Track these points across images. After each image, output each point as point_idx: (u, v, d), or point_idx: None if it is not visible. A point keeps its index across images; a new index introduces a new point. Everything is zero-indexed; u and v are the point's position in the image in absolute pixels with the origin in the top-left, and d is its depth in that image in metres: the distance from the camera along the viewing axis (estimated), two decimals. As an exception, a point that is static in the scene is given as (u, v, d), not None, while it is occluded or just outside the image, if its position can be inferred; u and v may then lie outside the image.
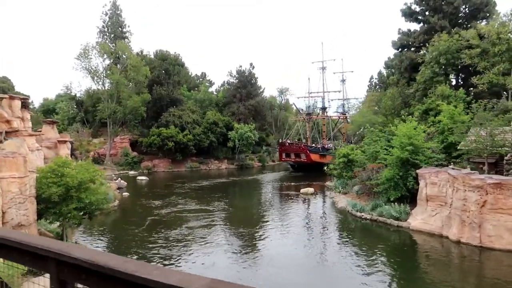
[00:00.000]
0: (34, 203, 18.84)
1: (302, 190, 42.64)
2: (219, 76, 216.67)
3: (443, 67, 43.17)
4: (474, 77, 39.99)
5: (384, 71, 74.63)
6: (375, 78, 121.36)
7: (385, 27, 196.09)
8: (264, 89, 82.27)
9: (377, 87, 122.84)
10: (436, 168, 27.95)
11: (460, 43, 42.44)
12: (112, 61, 66.00)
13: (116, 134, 66.53)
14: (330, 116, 75.83)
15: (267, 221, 30.55)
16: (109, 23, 74.40)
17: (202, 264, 20.48)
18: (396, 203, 28.80)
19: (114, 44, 68.00)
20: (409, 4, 50.74)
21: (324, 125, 73.79)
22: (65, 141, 39.02)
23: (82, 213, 20.46)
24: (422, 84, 44.31)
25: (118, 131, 66.81)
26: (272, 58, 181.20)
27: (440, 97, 37.53)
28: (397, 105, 48.99)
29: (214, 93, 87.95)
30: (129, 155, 65.86)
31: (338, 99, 79.52)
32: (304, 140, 70.64)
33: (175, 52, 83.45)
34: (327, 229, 28.69)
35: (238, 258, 21.77)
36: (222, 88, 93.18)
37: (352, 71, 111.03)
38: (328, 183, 49.96)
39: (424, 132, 31.00)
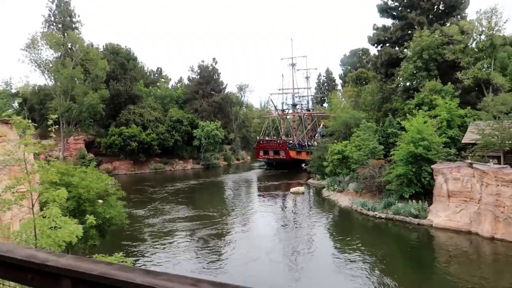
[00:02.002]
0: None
1: (292, 190, 40.68)
2: (175, 72, 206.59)
3: (426, 62, 43.42)
4: (459, 72, 40.58)
5: (333, 69, 75.15)
6: (323, 76, 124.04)
7: (343, 24, 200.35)
8: (226, 85, 79.31)
9: (325, 84, 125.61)
10: (456, 163, 27.35)
11: (441, 38, 42.97)
12: (62, 53, 59.01)
13: (70, 135, 59.82)
14: (306, 113, 74.77)
15: (278, 230, 27.95)
16: (56, 12, 66.80)
17: None
18: (413, 200, 27.81)
19: (64, 35, 60.99)
20: (385, 0, 50.76)
21: (295, 121, 72.74)
22: (27, 143, 33.38)
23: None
24: (405, 80, 44.31)
25: (72, 131, 60.14)
26: (233, 54, 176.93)
27: (432, 92, 37.43)
28: (377, 100, 48.83)
29: (171, 89, 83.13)
30: (86, 157, 59.52)
31: (308, 96, 79.09)
32: (280, 137, 68.91)
33: (125, 46, 77.27)
34: (347, 233, 26.90)
35: (288, 274, 19.14)
36: (179, 84, 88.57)
37: (316, 68, 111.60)
38: (311, 180, 48.60)
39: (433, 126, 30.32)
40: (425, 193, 28.35)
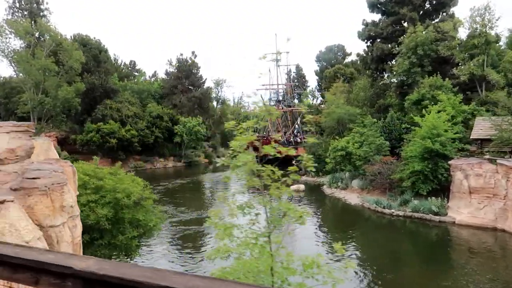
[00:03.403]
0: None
1: (292, 187, 39.29)
2: (148, 66, 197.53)
3: (420, 58, 43.49)
4: (455, 68, 40.93)
5: (303, 65, 75.03)
6: (293, 72, 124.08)
7: (315, 20, 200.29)
8: (205, 79, 76.74)
9: (295, 80, 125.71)
10: (474, 158, 27.12)
11: (435, 34, 43.18)
12: (32, 43, 54.28)
13: (41, 131, 55.27)
14: (292, 109, 73.64)
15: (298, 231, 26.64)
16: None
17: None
18: (432, 197, 27.34)
19: (32, 23, 56.19)
20: (377, -5, 50.53)
21: (280, 118, 71.47)
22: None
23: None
24: (399, 75, 44.18)
25: (44, 127, 55.65)
26: (206, 49, 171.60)
27: (432, 88, 37.34)
28: (370, 96, 48.58)
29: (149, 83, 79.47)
30: (60, 155, 55.26)
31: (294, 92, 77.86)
32: (268, 133, 67.39)
33: (94, 37, 72.57)
34: (368, 232, 26.07)
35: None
36: (153, 78, 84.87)
37: (296, 65, 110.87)
38: (304, 177, 47.56)
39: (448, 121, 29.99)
40: (441, 190, 28.01)
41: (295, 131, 72.37)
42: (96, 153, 57.33)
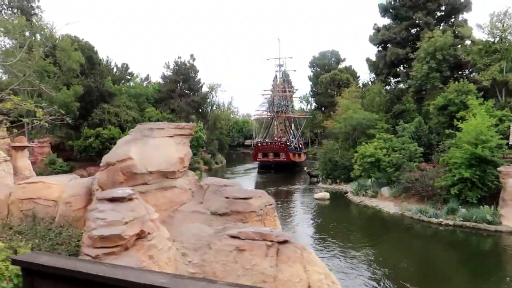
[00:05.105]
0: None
1: (316, 196, 37.82)
2: (140, 69, 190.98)
3: (439, 62, 43.00)
4: (476, 73, 40.59)
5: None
6: (280, 78, 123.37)
7: (306, 26, 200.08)
8: (203, 84, 74.42)
9: (282, 86, 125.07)
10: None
11: (453, 39, 42.85)
12: (27, 43, 50.57)
13: (35, 137, 51.62)
14: (301, 114, 72.26)
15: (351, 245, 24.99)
16: (10, -8, 57.75)
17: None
18: (485, 206, 26.28)
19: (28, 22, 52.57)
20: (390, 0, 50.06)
21: (282, 123, 70.07)
22: (23, 147, 26.84)
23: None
24: (417, 80, 43.50)
25: (39, 133, 51.99)
26: (205, 50, 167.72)
27: (459, 93, 36.66)
28: (385, 101, 47.74)
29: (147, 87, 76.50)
30: (55, 163, 51.73)
31: (297, 98, 76.95)
32: (274, 139, 65.71)
33: (83, 39, 69.00)
34: (416, 243, 24.66)
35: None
36: (146, 82, 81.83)
37: (295, 70, 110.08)
38: (321, 185, 46.03)
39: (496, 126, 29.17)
40: (490, 197, 27.06)
41: (296, 137, 71.16)
42: (95, 160, 54.11)
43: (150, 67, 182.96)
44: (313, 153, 76.07)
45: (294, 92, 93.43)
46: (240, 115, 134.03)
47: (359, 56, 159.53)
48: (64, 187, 9.76)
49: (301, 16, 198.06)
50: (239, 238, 5.44)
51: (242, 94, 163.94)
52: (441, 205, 28.58)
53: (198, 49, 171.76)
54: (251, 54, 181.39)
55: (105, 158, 8.02)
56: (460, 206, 27.42)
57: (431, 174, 30.39)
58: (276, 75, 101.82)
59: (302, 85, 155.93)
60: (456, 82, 37.71)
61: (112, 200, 6.54)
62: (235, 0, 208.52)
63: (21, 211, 9.44)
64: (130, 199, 6.37)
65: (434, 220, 27.33)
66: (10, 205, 9.86)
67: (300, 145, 63.63)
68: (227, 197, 5.80)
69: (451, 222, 26.59)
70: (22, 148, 26.36)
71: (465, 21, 48.01)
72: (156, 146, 6.76)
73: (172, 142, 6.50)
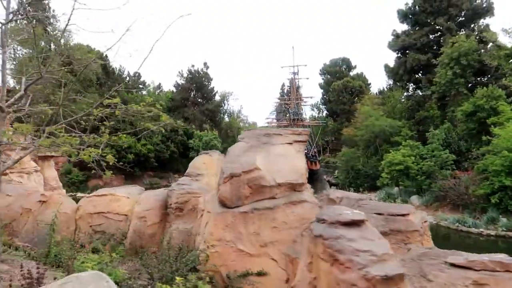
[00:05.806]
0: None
1: (342, 205, 36.82)
2: (152, 78, 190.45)
3: (463, 68, 42.15)
4: (505, 79, 39.64)
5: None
6: (287, 86, 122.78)
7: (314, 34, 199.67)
8: (216, 92, 73.93)
9: (289, 94, 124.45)
10: None
11: (477, 44, 42.04)
12: (45, 51, 50.40)
13: (51, 146, 51.08)
14: (316, 122, 71.51)
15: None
16: (27, 4, 57.65)
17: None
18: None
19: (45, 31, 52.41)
20: (410, 5, 49.42)
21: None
22: (49, 157, 26.16)
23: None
24: (441, 86, 42.61)
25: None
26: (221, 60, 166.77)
27: (489, 98, 35.70)
28: (407, 108, 46.84)
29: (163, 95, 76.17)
30: (71, 172, 51.23)
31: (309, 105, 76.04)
32: None
33: (94, 48, 68.93)
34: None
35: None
36: (158, 90, 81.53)
37: (307, 78, 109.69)
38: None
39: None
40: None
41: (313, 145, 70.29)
42: (111, 169, 53.34)
43: (160, 76, 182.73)
44: (325, 161, 75.17)
45: (309, 99, 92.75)
46: (248, 123, 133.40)
47: (368, 63, 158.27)
48: (135, 200, 8.95)
49: (310, 25, 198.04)
50: (470, 268, 4.55)
51: (249, 102, 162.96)
52: (479, 214, 27.58)
53: (208, 57, 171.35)
54: (261, 62, 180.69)
55: (228, 169, 7.17)
56: (500, 216, 26.39)
57: (466, 182, 29.39)
58: (284, 83, 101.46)
59: (312, 93, 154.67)
60: (485, 88, 36.76)
61: (348, 224, 5.07)
62: (245, 6, 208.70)
63: (90, 226, 8.67)
64: (362, 222, 5.18)
65: (473, 230, 26.28)
66: (78, 220, 9.06)
67: (316, 153, 62.76)
68: (379, 213, 4.97)
69: (492, 232, 25.56)
70: (49, 158, 25.61)
71: (487, 25, 47.22)
72: (280, 155, 5.96)
73: (293, 149, 5.71)
